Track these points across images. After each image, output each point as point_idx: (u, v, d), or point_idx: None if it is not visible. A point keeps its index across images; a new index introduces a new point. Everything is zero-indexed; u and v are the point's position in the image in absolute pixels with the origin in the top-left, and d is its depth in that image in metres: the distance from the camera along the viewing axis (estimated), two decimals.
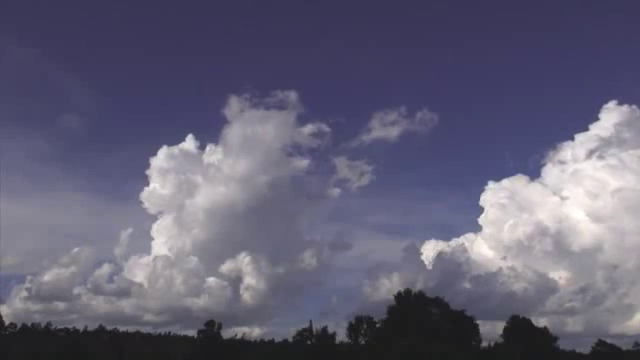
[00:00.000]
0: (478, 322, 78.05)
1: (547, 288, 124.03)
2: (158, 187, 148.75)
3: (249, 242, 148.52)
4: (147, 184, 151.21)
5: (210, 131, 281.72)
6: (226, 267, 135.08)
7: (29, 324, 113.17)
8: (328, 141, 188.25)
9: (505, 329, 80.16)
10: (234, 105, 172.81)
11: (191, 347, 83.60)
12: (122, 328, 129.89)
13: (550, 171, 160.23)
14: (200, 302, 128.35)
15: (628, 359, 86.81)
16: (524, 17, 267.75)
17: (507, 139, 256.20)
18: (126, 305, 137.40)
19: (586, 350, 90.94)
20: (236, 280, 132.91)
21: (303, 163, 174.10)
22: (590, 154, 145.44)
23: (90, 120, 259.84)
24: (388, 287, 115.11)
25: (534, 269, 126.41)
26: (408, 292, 77.36)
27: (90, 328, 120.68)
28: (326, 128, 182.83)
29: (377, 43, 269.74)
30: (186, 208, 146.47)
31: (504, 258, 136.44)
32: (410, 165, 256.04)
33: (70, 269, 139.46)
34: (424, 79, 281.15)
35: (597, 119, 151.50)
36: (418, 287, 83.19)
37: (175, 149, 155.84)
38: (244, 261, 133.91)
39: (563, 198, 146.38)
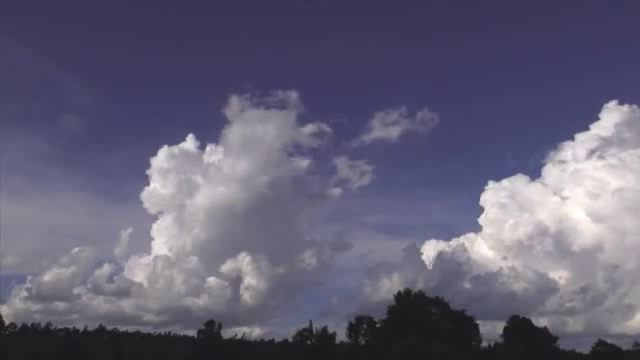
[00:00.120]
0: (478, 322, 78.26)
1: (547, 288, 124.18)
2: (158, 187, 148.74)
3: (249, 242, 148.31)
4: (147, 184, 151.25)
5: (210, 131, 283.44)
6: (226, 267, 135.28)
7: (29, 324, 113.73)
8: (328, 141, 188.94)
9: (505, 329, 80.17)
10: (234, 105, 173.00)
11: (191, 347, 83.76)
12: (122, 328, 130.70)
13: (550, 171, 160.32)
14: (200, 302, 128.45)
15: (628, 359, 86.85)
16: (524, 17, 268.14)
17: (507, 139, 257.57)
18: (126, 305, 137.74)
19: (586, 350, 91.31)
20: (236, 280, 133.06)
21: (303, 163, 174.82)
22: (590, 154, 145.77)
23: (90, 120, 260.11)
24: (388, 287, 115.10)
25: (534, 269, 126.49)
26: (408, 292, 77.35)
27: (90, 328, 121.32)
28: (327, 128, 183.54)
29: (377, 43, 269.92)
30: (186, 208, 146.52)
31: (504, 258, 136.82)
32: (410, 165, 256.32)
33: (70, 269, 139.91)
34: (424, 79, 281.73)
35: (597, 119, 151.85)
36: (418, 287, 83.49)
37: (175, 149, 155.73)
38: (244, 261, 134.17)
39: (563, 198, 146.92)
